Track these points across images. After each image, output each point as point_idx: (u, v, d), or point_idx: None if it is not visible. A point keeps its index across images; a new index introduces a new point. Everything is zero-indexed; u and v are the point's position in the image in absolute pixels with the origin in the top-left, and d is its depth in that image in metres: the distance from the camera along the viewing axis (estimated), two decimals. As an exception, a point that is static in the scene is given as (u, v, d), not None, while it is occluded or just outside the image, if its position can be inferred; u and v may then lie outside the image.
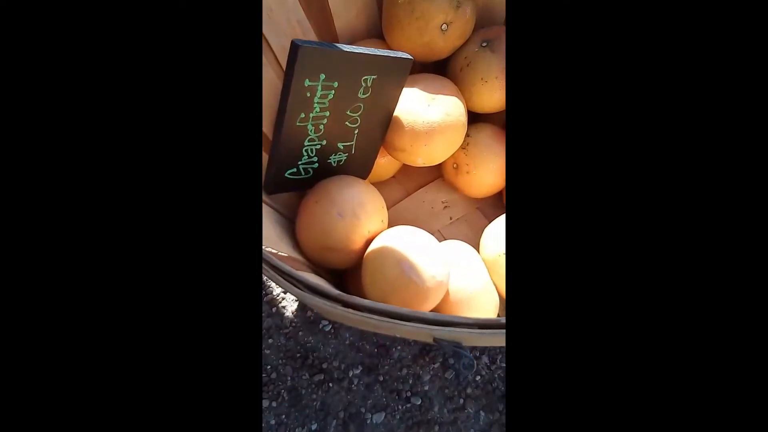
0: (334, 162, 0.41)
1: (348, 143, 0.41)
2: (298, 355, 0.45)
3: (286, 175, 0.39)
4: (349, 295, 0.22)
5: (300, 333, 0.46)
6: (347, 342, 0.46)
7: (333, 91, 0.35)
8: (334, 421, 0.41)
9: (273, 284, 0.49)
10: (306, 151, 0.38)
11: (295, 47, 0.32)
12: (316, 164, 0.40)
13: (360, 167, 0.44)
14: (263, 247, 0.23)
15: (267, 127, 0.42)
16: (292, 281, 0.23)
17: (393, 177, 0.51)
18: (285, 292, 0.49)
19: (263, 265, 0.23)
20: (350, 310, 0.21)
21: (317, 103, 0.35)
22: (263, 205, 0.38)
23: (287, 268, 0.23)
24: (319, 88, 0.34)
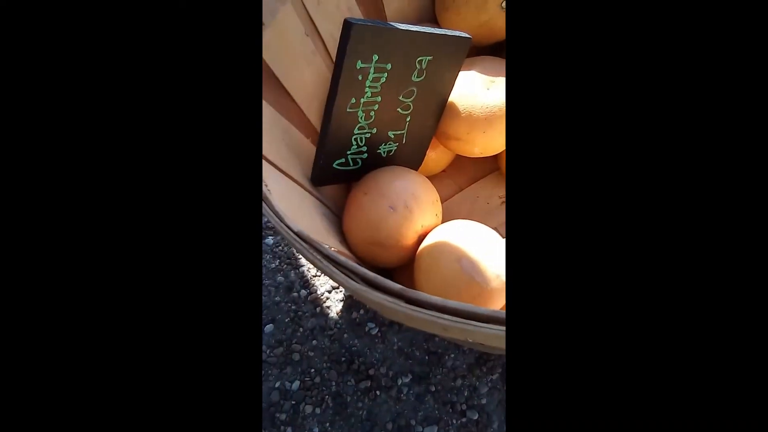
0: (384, 152, 0.39)
1: (399, 132, 0.38)
2: (343, 359, 0.42)
3: (333, 165, 0.37)
4: (413, 290, 0.19)
5: (345, 335, 0.44)
6: (395, 347, 0.43)
7: (386, 74, 0.33)
8: (382, 432, 0.38)
9: (318, 282, 0.47)
10: (355, 140, 0.36)
11: (348, 26, 0.30)
12: (365, 154, 0.38)
13: (410, 159, 0.41)
14: (315, 239, 0.21)
15: (315, 118, 0.40)
16: (348, 273, 0.20)
17: (443, 171, 0.48)
18: (330, 291, 0.46)
19: (316, 256, 0.21)
20: (415, 308, 0.18)
21: (369, 87, 0.33)
22: (310, 197, 0.36)
23: (342, 258, 0.20)
24: (372, 70, 0.32)
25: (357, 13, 0.42)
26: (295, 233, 0.21)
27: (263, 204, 0.22)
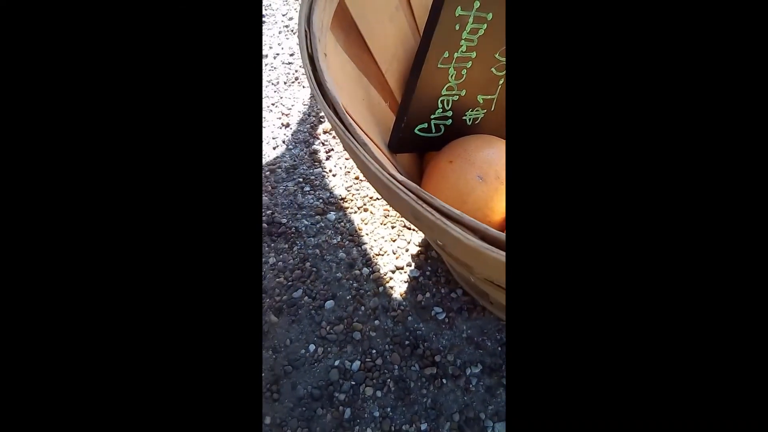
0: (469, 120, 0.35)
1: (489, 97, 0.34)
2: (407, 342, 0.39)
3: (415, 131, 0.34)
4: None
5: (409, 318, 0.41)
6: (464, 335, 0.39)
7: (485, 26, 0.29)
8: (448, 423, 0.35)
9: (381, 261, 0.45)
10: (442, 102, 0.33)
11: (449, -34, 0.26)
12: (450, 120, 0.34)
13: (497, 130, 0.37)
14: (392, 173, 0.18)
15: (393, 81, 0.37)
16: (433, 210, 0.17)
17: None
18: (393, 272, 0.44)
19: (394, 189, 0.18)
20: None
21: (465, 39, 0.29)
22: (389, 163, 0.33)
23: (427, 195, 0.17)
24: (471, 19, 0.28)
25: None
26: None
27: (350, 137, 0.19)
